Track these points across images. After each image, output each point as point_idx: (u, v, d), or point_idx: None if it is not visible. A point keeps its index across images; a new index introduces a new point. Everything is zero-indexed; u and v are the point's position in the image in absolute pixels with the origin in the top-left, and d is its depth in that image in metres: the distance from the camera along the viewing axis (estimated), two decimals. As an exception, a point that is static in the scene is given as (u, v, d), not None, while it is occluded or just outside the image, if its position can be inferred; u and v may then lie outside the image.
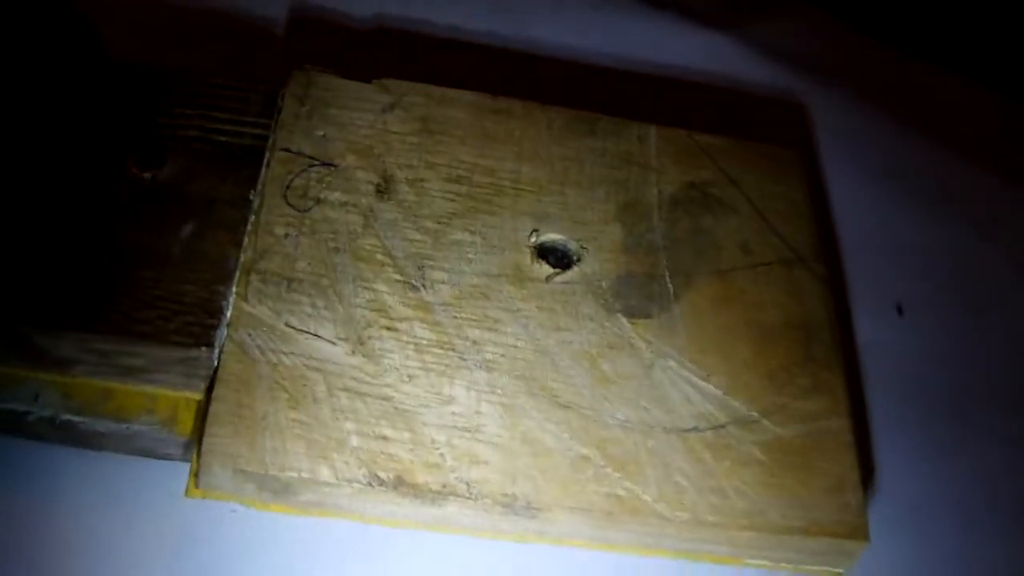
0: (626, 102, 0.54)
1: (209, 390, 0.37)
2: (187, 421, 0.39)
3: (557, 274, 0.41)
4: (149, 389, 0.39)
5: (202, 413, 0.38)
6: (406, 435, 0.37)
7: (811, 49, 0.62)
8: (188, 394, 0.39)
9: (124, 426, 0.39)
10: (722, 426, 0.39)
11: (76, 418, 0.39)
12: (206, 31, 0.55)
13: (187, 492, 0.38)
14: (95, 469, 0.41)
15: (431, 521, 0.37)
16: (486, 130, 0.45)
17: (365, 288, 0.40)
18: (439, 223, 0.42)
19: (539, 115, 0.46)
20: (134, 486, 0.41)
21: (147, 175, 0.41)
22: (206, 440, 0.36)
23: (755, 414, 0.39)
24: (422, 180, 0.43)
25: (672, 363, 0.40)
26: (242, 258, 0.40)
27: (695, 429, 0.39)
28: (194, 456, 0.37)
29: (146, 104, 0.43)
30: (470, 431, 0.37)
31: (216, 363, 0.37)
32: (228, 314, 0.38)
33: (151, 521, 0.40)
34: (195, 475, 0.37)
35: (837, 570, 0.40)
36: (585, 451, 0.38)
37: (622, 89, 0.57)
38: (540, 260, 0.42)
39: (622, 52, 0.59)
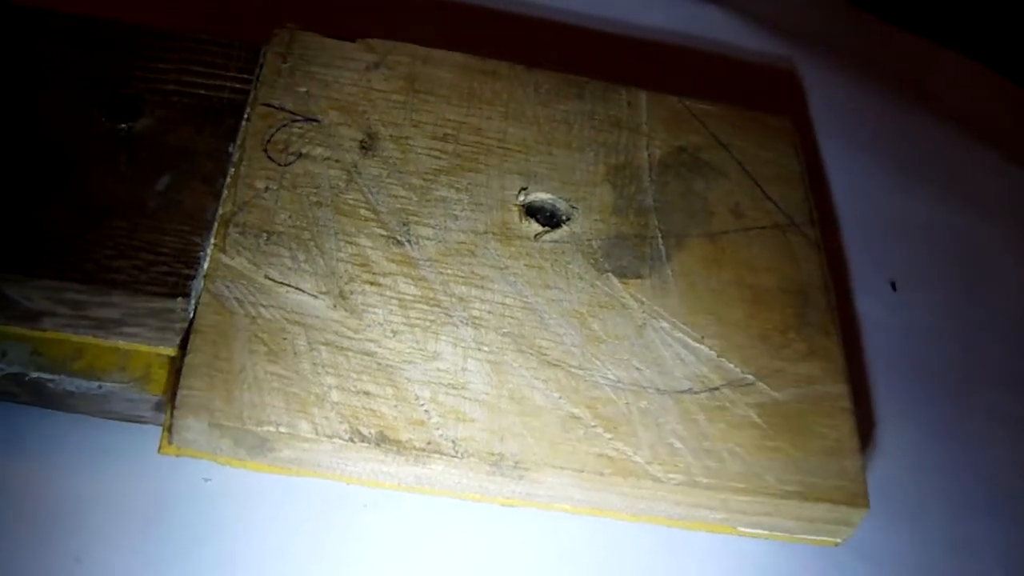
0: (616, 67, 0.53)
1: (184, 344, 0.36)
2: (160, 380, 0.38)
3: (546, 232, 0.40)
4: (122, 344, 0.38)
5: (177, 367, 0.36)
6: (389, 391, 0.35)
7: (805, 20, 0.61)
8: (162, 349, 0.37)
9: (95, 384, 0.38)
10: (716, 388, 0.38)
11: (45, 375, 0.38)
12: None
13: (160, 449, 0.36)
14: (65, 430, 0.39)
15: (414, 482, 0.36)
16: (472, 90, 0.44)
17: (347, 242, 0.38)
18: (424, 180, 0.41)
19: (526, 77, 0.45)
20: (105, 447, 0.39)
21: (122, 126, 0.39)
22: (181, 393, 0.34)
23: (750, 376, 0.38)
24: (407, 138, 0.42)
25: (664, 324, 0.39)
26: (220, 210, 0.38)
27: (689, 391, 0.38)
28: (168, 411, 0.36)
29: (124, 57, 0.41)
30: (456, 388, 0.36)
31: (192, 315, 0.36)
32: (205, 265, 0.37)
33: (123, 482, 0.38)
34: (168, 430, 0.35)
35: (834, 540, 0.38)
36: (575, 410, 0.36)
37: (613, 55, 0.56)
38: (528, 218, 0.41)
39: (613, 16, 0.58)
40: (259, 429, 0.34)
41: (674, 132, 0.44)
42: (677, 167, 0.43)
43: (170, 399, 0.36)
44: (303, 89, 0.42)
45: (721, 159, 0.44)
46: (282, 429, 0.34)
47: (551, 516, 0.38)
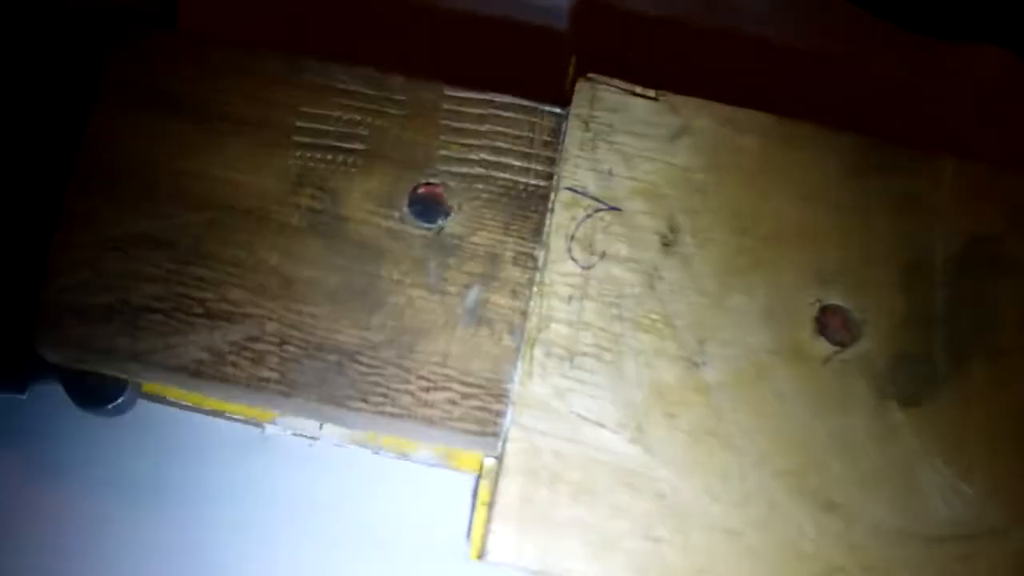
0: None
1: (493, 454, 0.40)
2: (462, 459, 0.43)
3: (836, 353, 0.42)
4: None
5: (492, 480, 0.40)
6: (677, 536, 0.40)
7: None
8: (471, 452, 0.42)
9: (402, 456, 0.43)
10: (974, 536, 0.41)
11: (357, 448, 0.43)
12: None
13: (471, 557, 0.41)
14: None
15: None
16: (773, 164, 0.43)
17: (646, 366, 0.41)
18: (720, 283, 0.42)
19: (829, 145, 0.44)
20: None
21: (431, 227, 0.41)
22: (491, 537, 0.39)
23: (1008, 522, 0.41)
24: (706, 230, 0.42)
25: (937, 460, 0.41)
26: (527, 325, 0.40)
27: (949, 538, 0.41)
28: (477, 523, 0.41)
29: (429, 127, 0.42)
30: (734, 534, 0.40)
31: (501, 447, 0.40)
32: (513, 394, 0.40)
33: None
34: (479, 553, 0.40)
35: None
36: (841, 561, 0.40)
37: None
38: (819, 336, 0.42)
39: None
40: (560, 572, 0.39)
41: (975, 216, 0.44)
42: (973, 264, 0.43)
43: (484, 516, 0.40)
44: (606, 167, 0.43)
45: (1021, 255, 0.44)
46: (579, 575, 0.39)
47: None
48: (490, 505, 0.39)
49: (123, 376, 0.41)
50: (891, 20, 0.54)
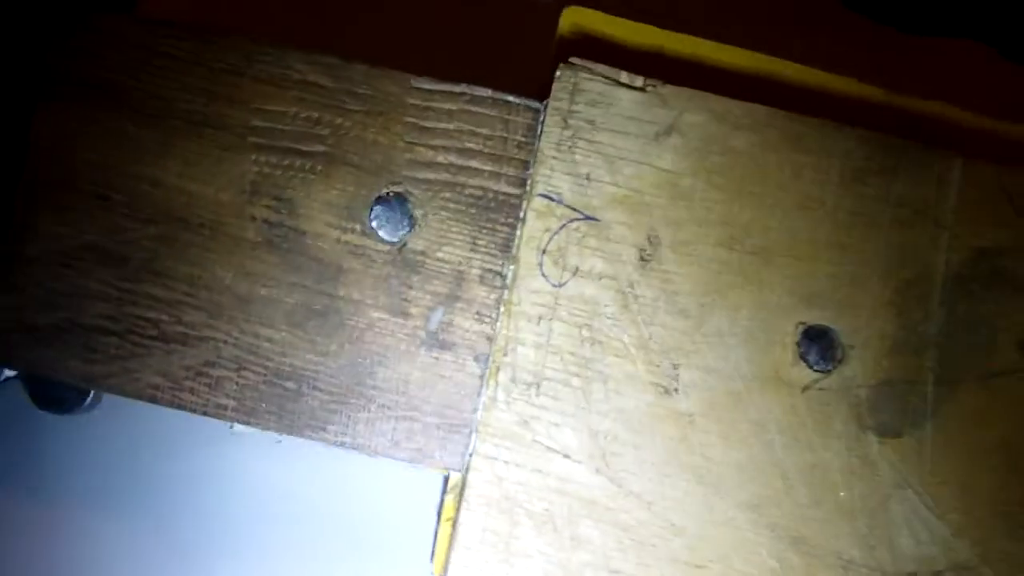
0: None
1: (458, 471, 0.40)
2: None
3: (816, 381, 0.40)
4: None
5: (456, 496, 0.40)
6: (639, 571, 0.40)
7: None
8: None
9: (370, 455, 0.43)
10: (939, 572, 0.41)
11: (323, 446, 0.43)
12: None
13: (434, 571, 0.42)
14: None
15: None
16: (768, 168, 0.40)
17: (615, 392, 0.40)
18: (700, 305, 0.40)
19: (833, 144, 0.41)
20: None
21: (394, 242, 0.39)
22: (451, 568, 0.39)
23: (975, 560, 0.40)
24: (689, 243, 0.40)
25: (911, 494, 0.41)
26: (493, 348, 0.39)
27: (912, 574, 0.40)
28: (442, 539, 0.41)
29: (390, 123, 0.39)
30: (698, 568, 0.40)
31: (464, 476, 0.39)
32: (476, 421, 0.39)
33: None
34: (442, 571, 0.41)
35: None
36: (803, 596, 0.40)
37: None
38: (801, 361, 0.40)
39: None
40: (518, 604, 0.40)
41: (981, 224, 0.41)
42: (972, 281, 0.41)
43: (448, 532, 0.40)
44: (584, 171, 0.40)
45: (1022, 270, 0.41)
46: (538, 607, 0.40)
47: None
48: (452, 533, 0.39)
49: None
50: (867, 15, 0.49)
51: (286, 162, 0.38)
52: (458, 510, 0.38)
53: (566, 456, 0.38)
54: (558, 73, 0.39)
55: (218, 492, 0.44)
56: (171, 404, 0.37)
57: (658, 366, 0.39)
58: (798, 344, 0.39)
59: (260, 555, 0.44)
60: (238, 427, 0.41)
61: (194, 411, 0.37)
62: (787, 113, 0.40)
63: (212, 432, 0.43)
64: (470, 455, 0.38)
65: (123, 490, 0.43)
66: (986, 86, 0.52)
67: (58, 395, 0.40)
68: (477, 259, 0.38)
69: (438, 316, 0.38)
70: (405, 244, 0.38)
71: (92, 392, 0.40)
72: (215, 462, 0.44)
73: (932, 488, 0.40)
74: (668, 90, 0.40)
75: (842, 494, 0.39)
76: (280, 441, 0.42)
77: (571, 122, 0.39)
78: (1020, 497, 0.40)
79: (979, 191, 0.40)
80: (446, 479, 0.41)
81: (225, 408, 0.37)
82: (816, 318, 0.40)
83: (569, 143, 0.39)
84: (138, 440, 0.43)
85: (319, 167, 0.38)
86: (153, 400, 0.37)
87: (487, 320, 0.38)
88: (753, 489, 0.39)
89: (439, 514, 0.41)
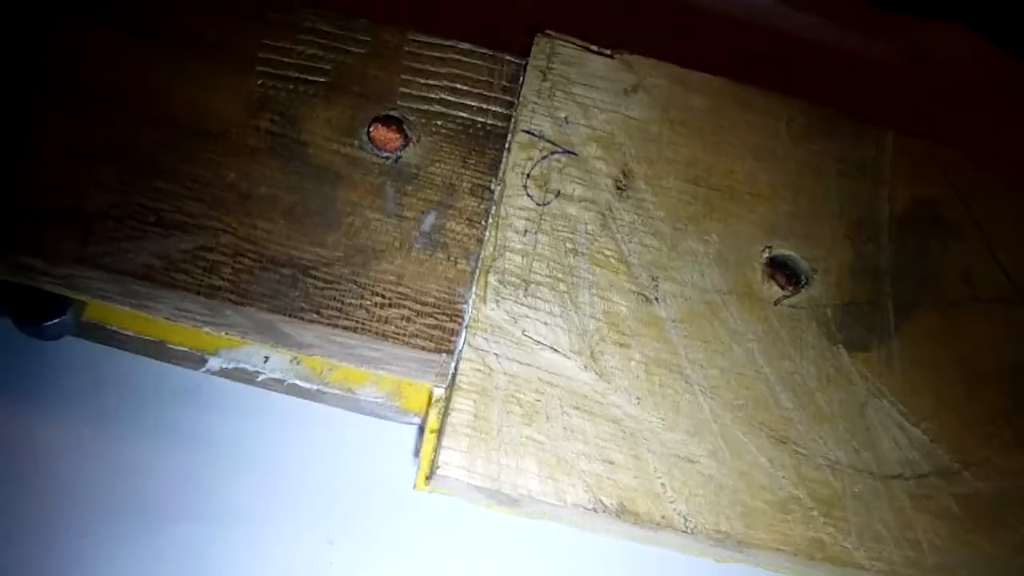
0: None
1: (443, 385, 0.40)
2: (409, 396, 0.42)
3: (786, 297, 0.42)
4: (381, 374, 0.41)
5: (440, 409, 0.40)
6: (632, 461, 0.39)
7: None
8: (420, 383, 0.41)
9: (348, 393, 0.42)
10: (925, 475, 0.41)
11: (303, 383, 0.42)
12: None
13: (416, 486, 0.40)
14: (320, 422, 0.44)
15: (642, 540, 0.40)
16: (725, 124, 0.45)
17: (600, 298, 0.41)
18: (675, 228, 0.42)
19: (779, 109, 0.45)
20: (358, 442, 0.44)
21: (388, 155, 0.41)
22: (443, 452, 0.38)
23: (957, 465, 0.41)
24: (660, 178, 0.43)
25: (885, 402, 0.41)
26: (482, 254, 0.40)
27: (900, 476, 0.40)
28: (425, 452, 0.40)
29: (391, 65, 0.43)
30: (690, 461, 0.39)
31: (454, 369, 0.39)
32: (467, 317, 0.39)
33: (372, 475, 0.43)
34: (427, 476, 0.39)
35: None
36: (796, 491, 0.39)
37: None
38: (770, 280, 0.42)
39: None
40: (512, 492, 0.38)
41: (916, 182, 0.45)
42: (915, 224, 0.44)
43: (433, 442, 0.39)
44: (562, 115, 0.43)
45: (959, 218, 0.45)
46: (534, 495, 0.38)
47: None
48: (441, 423, 0.39)
49: (67, 293, 0.40)
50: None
51: (290, 87, 0.41)
52: (448, 398, 0.39)
53: (555, 350, 0.39)
54: (535, 40, 0.44)
55: (186, 444, 0.43)
56: (164, 284, 0.38)
57: (638, 277, 0.41)
58: (766, 266, 0.42)
59: (226, 507, 0.42)
60: (212, 362, 0.41)
61: (187, 290, 0.38)
62: (738, 83, 0.46)
63: (181, 383, 0.43)
64: (461, 347, 0.39)
65: (89, 440, 0.42)
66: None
67: (35, 305, 0.40)
68: (467, 174, 0.41)
69: (431, 219, 0.40)
70: (400, 158, 0.41)
71: (69, 309, 0.40)
72: (183, 415, 0.43)
73: (905, 398, 0.41)
74: (633, 58, 0.45)
75: (821, 401, 0.41)
76: (251, 392, 0.42)
77: (549, 76, 0.44)
78: (987, 409, 0.42)
79: (911, 158, 0.46)
80: (421, 428, 0.42)
81: (219, 289, 0.38)
82: (781, 246, 0.43)
83: (548, 92, 0.43)
84: (105, 391, 0.43)
85: (321, 92, 0.41)
86: (146, 278, 0.38)
87: (478, 226, 0.40)
88: (738, 391, 0.40)
89: (420, 434, 0.41)
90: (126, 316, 0.42)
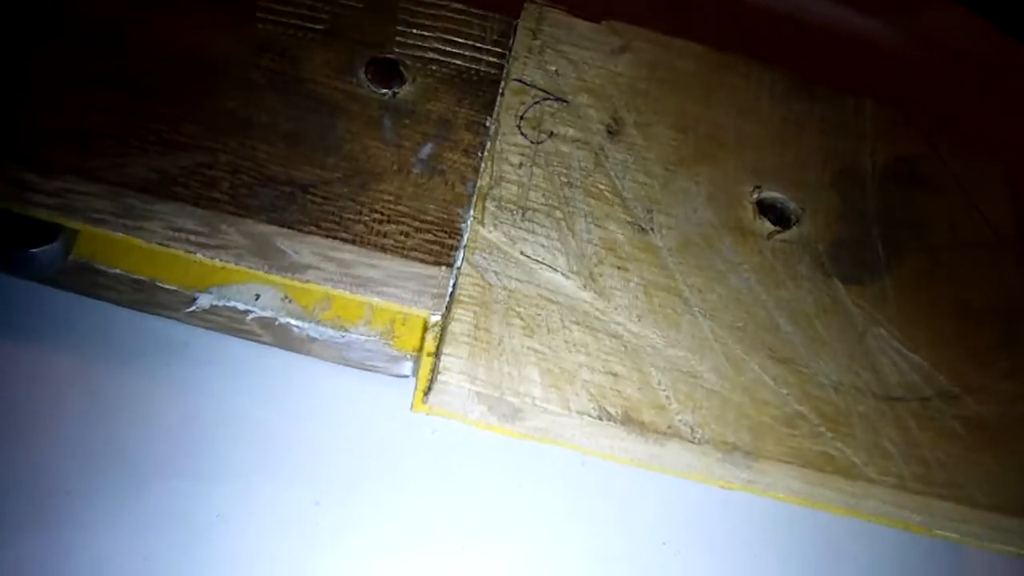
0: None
1: (440, 311, 0.39)
2: (402, 336, 0.41)
3: (777, 232, 0.42)
4: (376, 300, 0.40)
5: (437, 332, 0.39)
6: (635, 374, 0.38)
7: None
8: (417, 311, 0.40)
9: (340, 334, 0.41)
10: (927, 398, 0.40)
11: (294, 322, 0.41)
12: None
13: (413, 407, 0.39)
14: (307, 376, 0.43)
15: (647, 460, 0.39)
16: (711, 83, 0.46)
17: (596, 225, 0.41)
18: (666, 169, 0.43)
19: (760, 75, 0.47)
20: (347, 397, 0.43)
21: (386, 92, 0.41)
22: (444, 359, 0.37)
23: (957, 390, 0.41)
24: (649, 125, 0.44)
25: (883, 331, 0.41)
26: (479, 183, 0.40)
27: (903, 398, 0.40)
28: (423, 374, 0.39)
29: (388, 19, 0.44)
30: (694, 376, 0.39)
31: (452, 285, 0.39)
32: (466, 237, 0.39)
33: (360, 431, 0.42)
34: (425, 392, 0.38)
35: (1020, 552, 0.41)
36: (801, 408, 0.39)
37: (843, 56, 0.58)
38: (761, 217, 0.43)
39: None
40: (516, 400, 0.37)
41: (896, 142, 0.46)
42: (898, 178, 0.45)
43: (427, 361, 0.39)
44: (553, 68, 0.44)
45: (940, 174, 0.46)
46: (537, 402, 0.37)
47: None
48: (441, 336, 0.38)
49: (59, 219, 0.39)
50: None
51: (290, 31, 0.42)
52: (448, 311, 0.39)
53: (554, 270, 0.40)
54: (524, 6, 0.46)
55: (173, 402, 0.42)
56: (162, 196, 0.38)
57: (632, 209, 0.42)
58: (756, 204, 0.43)
59: (220, 471, 0.41)
60: (203, 299, 0.41)
61: (186, 202, 0.38)
62: (719, 51, 0.47)
63: (169, 339, 0.42)
64: (460, 263, 0.39)
65: (71, 396, 0.41)
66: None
67: (24, 230, 0.39)
68: (462, 112, 0.42)
69: (428, 148, 0.41)
70: (396, 94, 0.42)
71: (58, 239, 0.40)
72: (169, 372, 0.42)
73: (901, 328, 0.42)
74: (619, 25, 0.47)
75: (820, 328, 0.41)
76: (239, 346, 0.41)
77: (539, 36, 0.45)
78: (981, 341, 0.42)
79: (890, 122, 0.47)
80: (415, 370, 0.41)
81: (218, 201, 0.38)
82: (769, 189, 0.44)
83: (539, 49, 0.45)
84: (90, 347, 0.42)
85: (319, 38, 0.42)
86: (144, 190, 0.38)
87: (474, 157, 0.41)
88: (737, 314, 0.41)
89: (416, 364, 0.40)
90: (116, 251, 0.41)
